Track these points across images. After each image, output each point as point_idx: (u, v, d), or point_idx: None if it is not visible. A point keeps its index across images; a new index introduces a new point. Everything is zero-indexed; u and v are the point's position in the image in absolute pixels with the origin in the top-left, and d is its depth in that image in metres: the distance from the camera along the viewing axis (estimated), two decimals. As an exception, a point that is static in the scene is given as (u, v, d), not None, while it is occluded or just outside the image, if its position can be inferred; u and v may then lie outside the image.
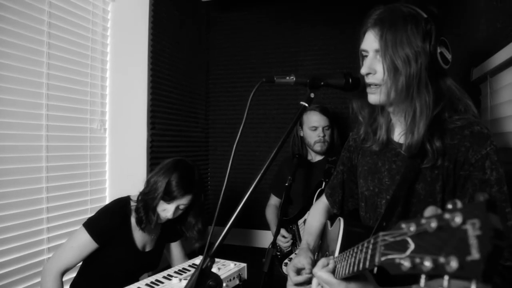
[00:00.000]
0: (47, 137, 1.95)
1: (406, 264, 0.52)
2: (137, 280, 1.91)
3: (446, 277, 0.46)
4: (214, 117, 3.32)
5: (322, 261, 1.01)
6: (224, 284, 1.51)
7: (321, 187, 2.32)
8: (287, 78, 1.12)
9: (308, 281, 1.25)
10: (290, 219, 2.40)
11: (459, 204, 0.47)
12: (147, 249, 1.86)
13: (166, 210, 1.71)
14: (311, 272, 1.26)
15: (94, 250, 1.66)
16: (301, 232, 2.35)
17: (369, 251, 0.73)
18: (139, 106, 2.42)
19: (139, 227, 1.72)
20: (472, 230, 0.44)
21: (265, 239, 2.86)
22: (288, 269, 1.31)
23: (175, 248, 2.02)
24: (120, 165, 2.37)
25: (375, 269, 1.01)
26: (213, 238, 0.94)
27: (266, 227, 2.72)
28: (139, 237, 1.79)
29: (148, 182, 1.75)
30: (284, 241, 2.37)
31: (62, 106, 2.05)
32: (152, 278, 1.58)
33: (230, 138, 3.21)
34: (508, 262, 0.95)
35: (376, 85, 1.11)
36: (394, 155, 1.19)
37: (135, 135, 2.40)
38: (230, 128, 3.25)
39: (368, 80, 1.12)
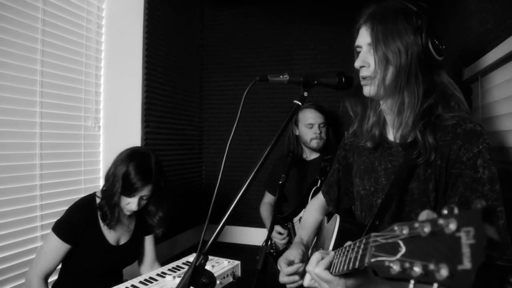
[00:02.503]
0: (41, 134, 1.94)
1: (396, 267, 0.51)
2: (120, 273, 1.91)
3: (435, 285, 0.44)
4: (208, 115, 3.32)
5: (316, 256, 0.99)
6: (217, 282, 1.52)
7: (317, 185, 2.34)
8: (281, 77, 1.14)
9: (299, 272, 1.28)
10: (285, 216, 2.41)
11: (455, 210, 0.45)
12: (122, 242, 1.85)
13: (130, 204, 1.71)
14: (300, 262, 1.29)
15: (69, 250, 1.66)
16: (296, 230, 2.36)
17: (360, 251, 0.73)
18: (133, 104, 2.41)
19: (104, 223, 1.72)
20: (466, 239, 0.42)
21: (259, 236, 2.87)
22: (279, 261, 1.32)
23: (147, 242, 1.99)
24: (114, 163, 2.36)
25: None
26: (207, 235, 0.95)
27: (260, 224, 2.73)
28: (110, 232, 1.78)
29: (106, 176, 1.73)
30: (280, 237, 2.38)
31: (56, 103, 2.04)
32: (146, 276, 1.58)
33: (224, 136, 3.21)
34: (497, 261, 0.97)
35: (369, 77, 1.12)
36: (390, 154, 1.20)
37: (129, 133, 2.39)
38: (224, 127, 3.25)
39: (362, 73, 1.14)
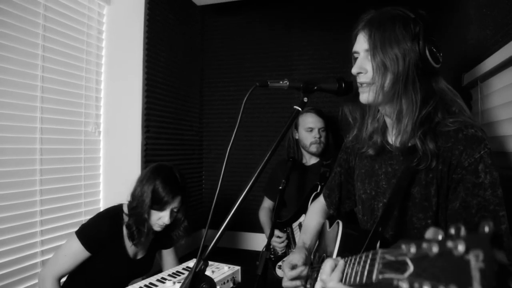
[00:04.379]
0: (41, 139, 1.95)
1: (405, 286, 0.50)
2: (126, 285, 1.91)
3: None
4: (208, 120, 3.32)
5: (330, 264, 0.92)
6: (218, 287, 1.52)
7: (317, 190, 2.33)
8: (281, 82, 1.14)
9: (301, 276, 1.28)
10: (284, 222, 2.40)
11: (462, 231, 0.45)
12: (139, 257, 1.85)
13: (162, 217, 1.72)
14: (303, 265, 1.30)
15: (87, 258, 1.66)
16: (295, 235, 2.36)
17: (367, 266, 0.71)
18: (133, 109, 2.42)
19: (132, 242, 1.72)
20: (475, 262, 0.42)
21: (259, 242, 2.86)
22: (283, 266, 1.33)
23: (168, 255, 2.00)
24: (115, 169, 2.36)
25: None
26: (207, 241, 0.95)
27: (260, 230, 2.72)
28: (131, 245, 1.78)
29: (133, 195, 1.74)
30: (278, 241, 2.37)
31: (56, 108, 2.04)
32: (146, 281, 1.57)
33: (224, 141, 3.22)
34: None
35: (367, 84, 1.12)
36: (390, 157, 1.20)
37: (129, 138, 2.40)
38: (224, 132, 3.26)
39: (360, 79, 1.13)
